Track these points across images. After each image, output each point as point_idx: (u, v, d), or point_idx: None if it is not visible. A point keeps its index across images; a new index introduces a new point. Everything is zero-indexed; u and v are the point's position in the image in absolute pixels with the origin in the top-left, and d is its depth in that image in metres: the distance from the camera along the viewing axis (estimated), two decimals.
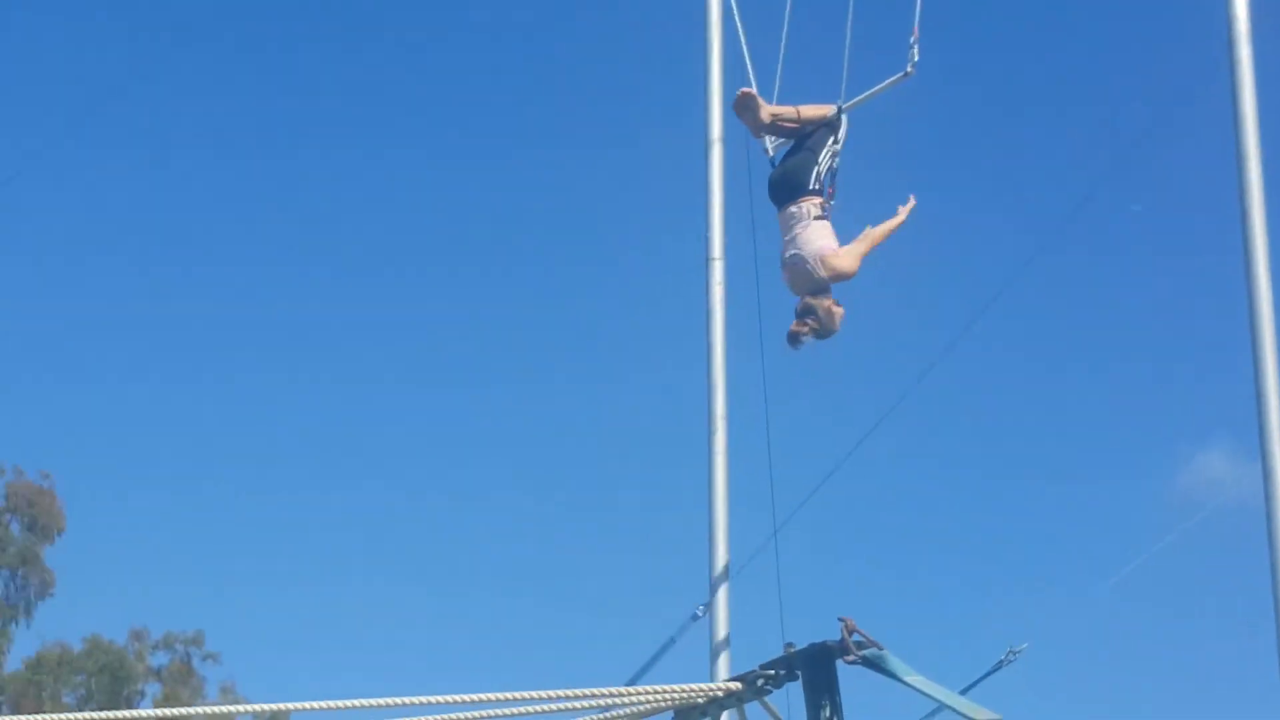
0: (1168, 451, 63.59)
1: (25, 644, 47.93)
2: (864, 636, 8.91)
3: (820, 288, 11.66)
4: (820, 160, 11.97)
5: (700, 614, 13.18)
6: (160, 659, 50.12)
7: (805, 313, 11.61)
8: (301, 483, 67.28)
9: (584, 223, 64.61)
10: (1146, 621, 51.54)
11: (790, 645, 9.24)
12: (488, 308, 67.37)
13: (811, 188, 11.92)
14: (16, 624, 50.08)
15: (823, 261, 11.60)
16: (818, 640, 9.12)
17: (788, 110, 12.26)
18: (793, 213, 11.87)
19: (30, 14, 77.11)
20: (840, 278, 11.60)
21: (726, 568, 12.83)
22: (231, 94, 73.77)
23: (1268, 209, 11.01)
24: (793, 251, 11.79)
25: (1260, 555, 10.54)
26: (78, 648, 48.86)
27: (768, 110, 12.13)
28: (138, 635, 50.61)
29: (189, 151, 76.71)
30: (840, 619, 9.10)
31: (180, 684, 48.16)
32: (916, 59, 12.00)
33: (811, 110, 12.24)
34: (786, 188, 12.01)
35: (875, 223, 11.85)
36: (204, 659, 50.10)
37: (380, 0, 77.80)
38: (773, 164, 12.35)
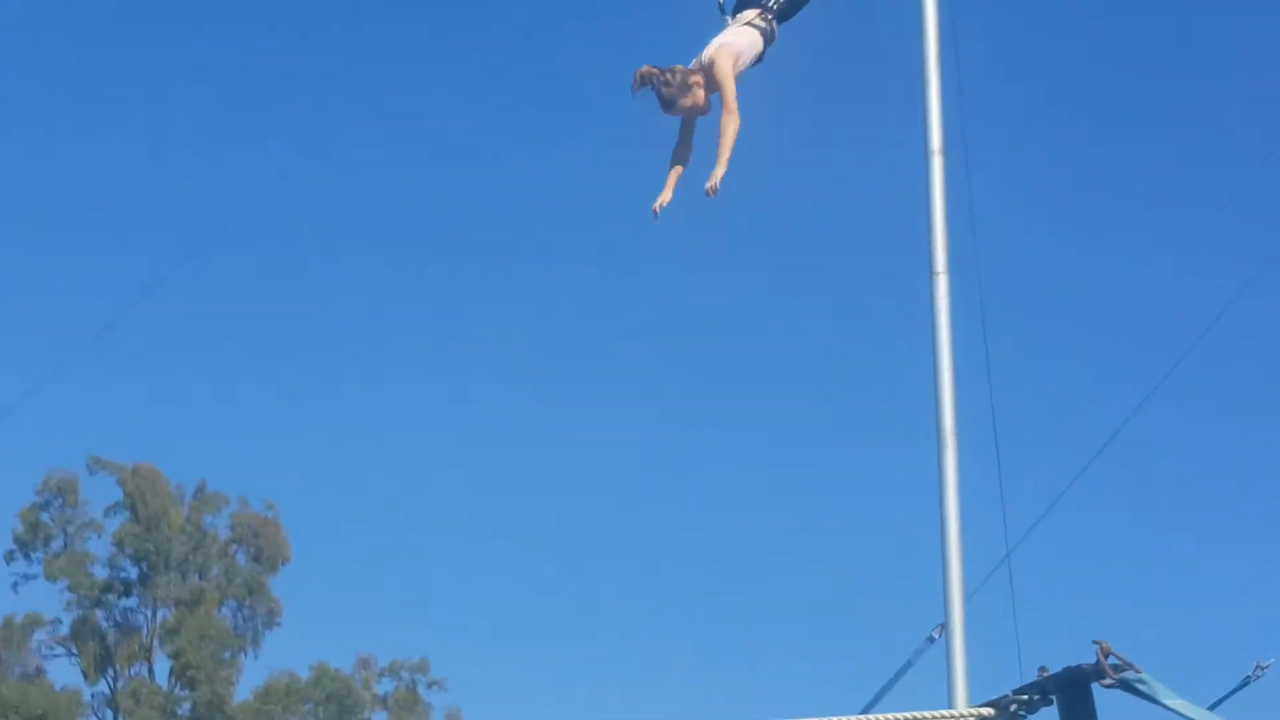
0: None
1: (254, 674, 48.16)
2: (1120, 659, 8.46)
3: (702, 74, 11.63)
4: None
5: (936, 637, 12.69)
6: (386, 686, 49.82)
7: (668, 71, 11.58)
8: (539, 519, 66.22)
9: (807, 228, 63.11)
10: None
11: (1044, 669, 8.81)
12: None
13: (762, 1, 12.05)
14: (245, 654, 50.16)
15: (715, 52, 11.76)
16: (1071, 664, 8.51)
17: None
18: (739, 16, 12.10)
19: None
20: (708, 71, 11.68)
21: (961, 588, 12.21)
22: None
23: None
24: (708, 47, 11.89)
25: None
26: (305, 676, 48.45)
27: None
28: (364, 663, 50.65)
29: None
30: (1095, 642, 8.65)
31: (406, 711, 47.83)
32: None
33: None
34: (742, 2, 12.19)
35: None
36: (429, 686, 49.59)
37: None
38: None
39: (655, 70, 11.51)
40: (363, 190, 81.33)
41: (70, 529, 52.06)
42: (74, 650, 50.42)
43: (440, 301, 77.28)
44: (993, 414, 13.21)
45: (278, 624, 50.38)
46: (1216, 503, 64.26)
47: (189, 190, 76.05)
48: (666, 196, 11.65)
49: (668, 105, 11.54)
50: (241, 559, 50.60)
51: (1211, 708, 10.30)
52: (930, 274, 13.14)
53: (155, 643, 50.42)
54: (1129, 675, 8.89)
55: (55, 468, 52.70)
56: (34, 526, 52.02)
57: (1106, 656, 8.89)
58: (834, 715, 9.32)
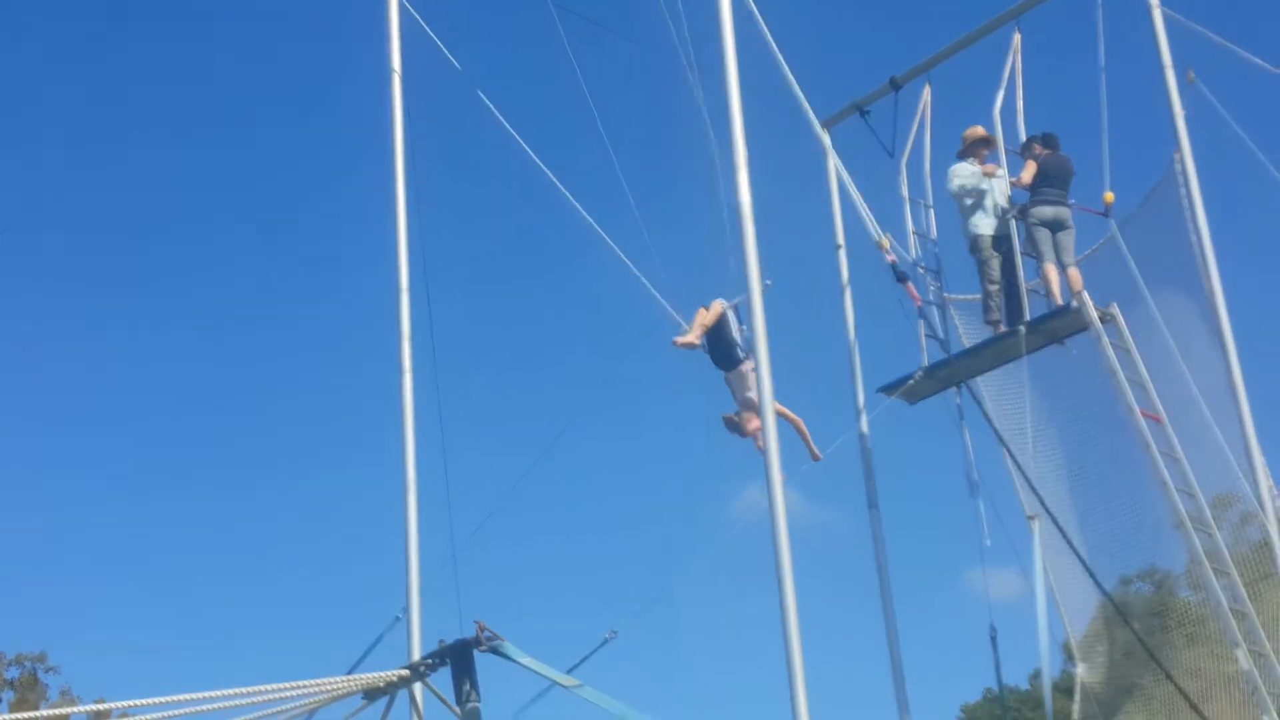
0: None
1: None
2: (492, 633, 9.21)
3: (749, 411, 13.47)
4: (737, 340, 13.69)
5: (400, 617, 13.24)
6: (13, 673, 48.84)
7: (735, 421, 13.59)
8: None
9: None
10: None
11: (442, 641, 9.51)
12: None
13: (741, 357, 13.52)
14: None
15: (753, 397, 13.13)
16: (461, 636, 9.24)
17: (701, 325, 13.78)
18: (738, 371, 13.63)
19: None
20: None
21: (419, 584, 12.95)
22: None
23: None
24: (747, 392, 13.44)
25: None
26: None
27: (697, 336, 13.77)
28: None
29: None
30: (476, 620, 9.35)
31: (29, 691, 47.04)
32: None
33: (714, 317, 13.79)
34: (728, 362, 13.71)
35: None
36: (47, 671, 48.85)
37: None
38: (705, 349, 13.89)
39: (730, 420, 13.59)
40: None
41: None
42: None
43: None
44: (445, 462, 13.58)
45: None
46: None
47: None
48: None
49: (742, 435, 13.45)
50: None
51: (571, 670, 10.80)
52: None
53: None
54: (496, 644, 9.59)
55: None
56: None
57: (483, 631, 9.60)
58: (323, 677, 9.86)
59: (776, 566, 11.84)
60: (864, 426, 15.41)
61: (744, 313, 13.72)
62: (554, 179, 14.36)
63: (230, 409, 70.43)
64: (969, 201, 14.82)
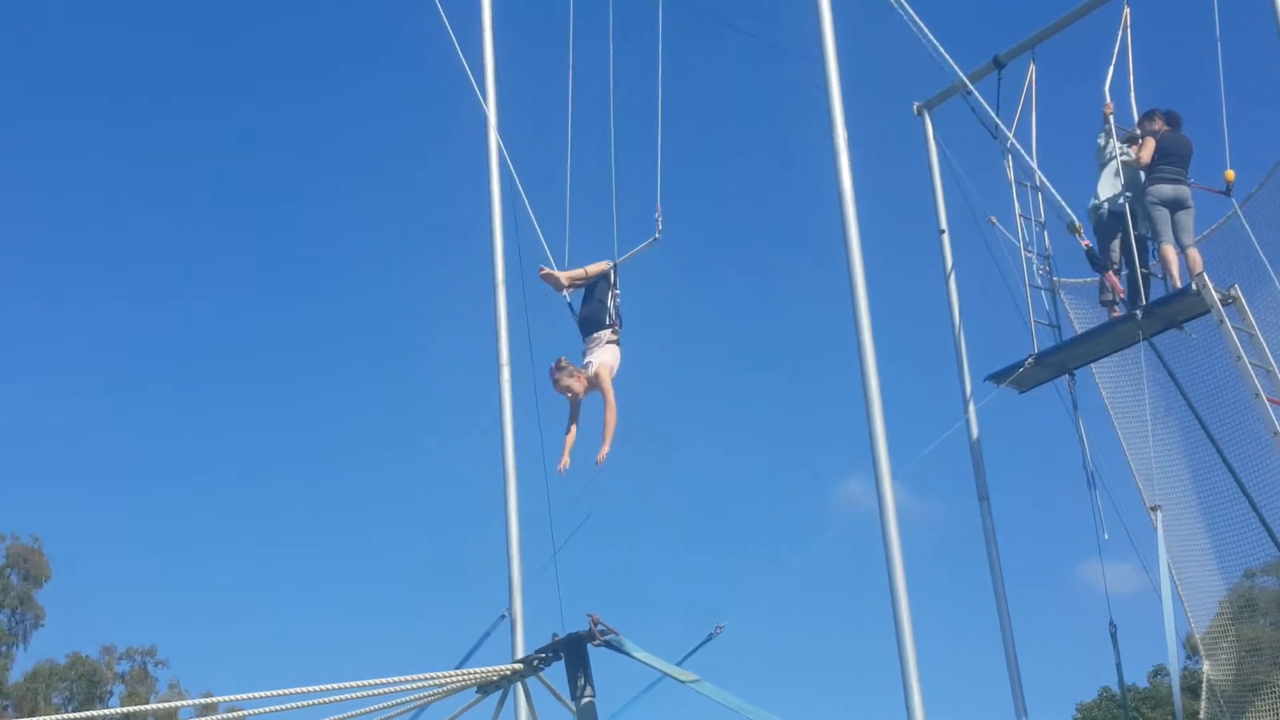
0: None
1: (24, 662, 48.05)
2: (605, 626, 9.01)
3: (588, 379, 12.53)
4: (608, 304, 12.87)
5: (505, 616, 13.17)
6: (124, 666, 50.44)
7: (563, 370, 12.47)
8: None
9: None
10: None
11: (555, 635, 9.32)
12: None
13: (607, 323, 12.69)
14: (17, 648, 50.42)
15: (598, 369, 12.42)
16: (574, 630, 9.07)
17: (578, 272, 13.08)
18: (595, 337, 12.74)
19: None
20: (592, 383, 12.43)
21: (520, 582, 12.89)
22: None
23: None
24: (588, 359, 12.59)
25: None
26: (63, 663, 48.83)
27: (565, 277, 13.05)
28: (107, 650, 51.31)
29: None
30: (589, 614, 9.15)
31: (139, 684, 48.35)
32: (661, 228, 12.71)
33: (594, 268, 13.07)
34: (592, 324, 12.76)
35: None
36: (156, 664, 50.48)
37: None
38: (572, 308, 13.11)
39: (560, 377, 12.49)
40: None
41: None
42: None
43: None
44: (543, 456, 13.42)
45: (42, 625, 50.99)
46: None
47: None
48: (566, 460, 12.42)
49: (561, 388, 12.51)
50: (14, 579, 50.62)
51: (680, 662, 10.58)
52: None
53: None
54: (611, 638, 9.39)
55: None
56: None
57: (596, 625, 9.40)
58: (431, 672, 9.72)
59: (887, 562, 11.57)
60: (972, 416, 15.05)
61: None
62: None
63: (331, 412, 71.51)
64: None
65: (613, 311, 12.81)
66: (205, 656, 60.47)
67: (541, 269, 13.10)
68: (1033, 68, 15.37)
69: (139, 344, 73.05)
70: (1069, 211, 14.03)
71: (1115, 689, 15.17)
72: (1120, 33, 14.50)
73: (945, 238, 15.83)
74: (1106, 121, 14.28)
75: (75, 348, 71.83)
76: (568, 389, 12.44)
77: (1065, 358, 14.23)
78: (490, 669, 9.68)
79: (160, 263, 73.83)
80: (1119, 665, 13.87)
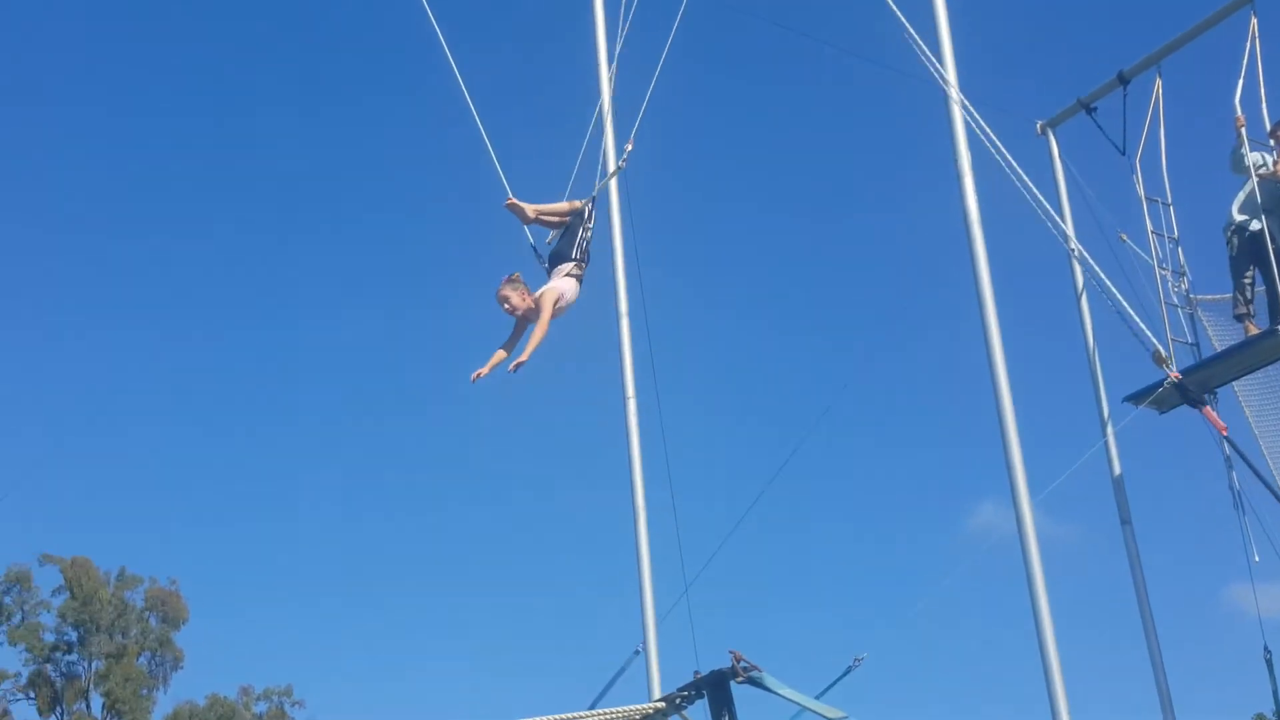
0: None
1: (165, 704, 49.06)
2: (748, 663, 8.98)
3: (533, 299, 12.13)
4: (578, 239, 12.45)
5: (639, 652, 13.18)
6: (261, 707, 51.06)
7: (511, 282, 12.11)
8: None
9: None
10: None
11: (697, 672, 9.31)
12: None
13: (573, 257, 12.29)
14: (158, 690, 51.74)
15: (544, 291, 12.05)
16: (715, 668, 9.06)
17: (546, 207, 12.67)
18: (557, 269, 12.24)
19: None
20: (540, 302, 11.96)
21: (654, 616, 12.84)
22: None
23: None
24: (547, 285, 12.16)
25: None
26: (201, 704, 49.77)
27: (532, 210, 12.58)
28: (245, 691, 52.14)
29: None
30: (730, 651, 9.13)
31: None
32: (627, 157, 12.88)
33: (567, 205, 12.71)
34: (557, 258, 12.37)
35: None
36: (293, 705, 51.14)
37: None
38: (535, 249, 12.62)
39: (502, 286, 12.08)
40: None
41: (26, 607, 52.72)
42: (31, 695, 50.93)
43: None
44: (671, 495, 13.43)
45: (181, 667, 52.11)
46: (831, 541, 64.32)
47: None
48: (484, 371, 11.87)
49: (508, 306, 12.05)
50: (154, 621, 51.74)
51: (819, 696, 10.54)
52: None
53: (91, 686, 50.97)
54: (754, 674, 9.36)
55: (13, 562, 55.24)
56: None
57: (739, 661, 9.37)
58: (567, 712, 9.72)
59: (1030, 588, 11.45)
60: (1111, 439, 14.80)
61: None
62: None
63: (459, 454, 72.17)
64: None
65: (582, 246, 12.40)
66: (341, 697, 61.25)
67: (509, 198, 12.54)
68: (1159, 82, 15.13)
69: (283, 388, 74.25)
70: (1154, 342, 13.73)
71: (1271, 716, 14.73)
72: (1248, 42, 14.22)
73: (1075, 257, 15.60)
74: (1238, 134, 14.01)
75: (216, 391, 73.23)
76: (505, 300, 11.96)
77: (1205, 376, 13.93)
78: (633, 708, 9.73)
79: (304, 319, 75.11)
80: (1275, 692, 13.52)
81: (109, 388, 68.88)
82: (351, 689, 60.84)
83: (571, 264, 12.25)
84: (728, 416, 64.11)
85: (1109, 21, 62.80)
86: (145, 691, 52.79)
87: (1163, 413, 14.11)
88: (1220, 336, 14.65)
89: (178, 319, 73.79)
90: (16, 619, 53.92)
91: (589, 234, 12.45)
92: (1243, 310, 13.86)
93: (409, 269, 75.18)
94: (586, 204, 12.64)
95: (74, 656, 54.22)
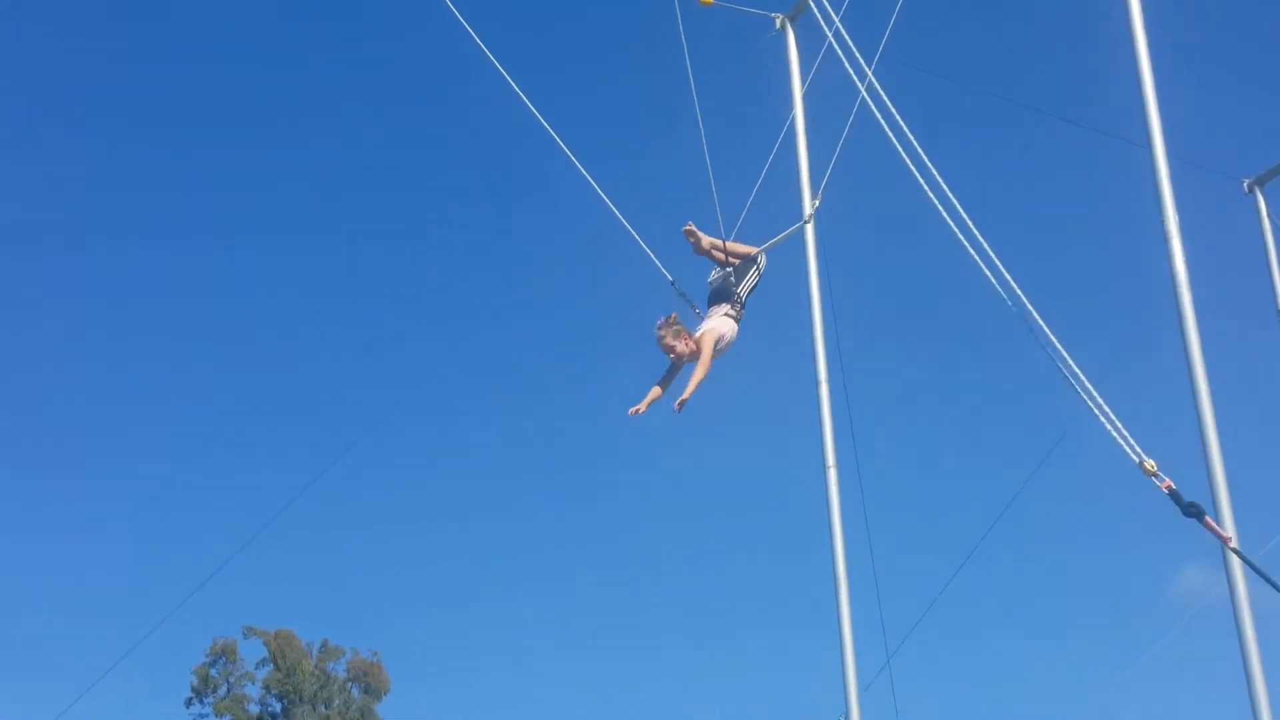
0: None
1: None
2: None
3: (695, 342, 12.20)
4: (743, 284, 12.59)
5: None
6: None
7: (670, 326, 12.18)
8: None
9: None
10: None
11: None
12: None
13: (734, 299, 12.44)
14: None
15: (705, 332, 12.16)
16: None
17: (720, 243, 12.84)
18: (717, 308, 12.44)
19: None
20: (700, 344, 12.06)
21: (856, 686, 12.78)
22: None
23: None
24: (701, 326, 12.29)
25: None
26: None
27: (706, 240, 12.80)
28: None
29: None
30: None
31: None
32: (811, 214, 13.00)
33: (737, 247, 12.88)
34: (717, 297, 12.55)
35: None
36: None
37: None
38: (712, 284, 12.74)
39: (664, 333, 12.18)
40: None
41: (231, 679, 54.31)
42: None
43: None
44: (872, 563, 13.39)
45: None
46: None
47: None
48: (642, 407, 12.17)
49: (665, 347, 12.19)
50: (355, 692, 52.95)
51: None
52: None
53: None
54: None
55: (219, 635, 56.56)
56: (205, 679, 55.76)
57: None
58: None
59: (1243, 654, 11.17)
60: None
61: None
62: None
63: (659, 519, 72.68)
64: None
65: (742, 293, 12.47)
66: None
67: (687, 224, 12.70)
68: None
69: (470, 460, 75.47)
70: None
71: None
72: None
73: None
74: None
75: (416, 471, 74.65)
76: (670, 348, 12.05)
77: None
78: None
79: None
80: None
81: (311, 469, 70.54)
82: None
83: (730, 306, 12.38)
84: (931, 477, 63.34)
85: None
86: None
87: None
88: None
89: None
90: (223, 690, 55.49)
91: (755, 284, 12.59)
92: None
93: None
94: (760, 253, 12.79)
95: None
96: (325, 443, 70.41)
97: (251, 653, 56.91)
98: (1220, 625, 11.34)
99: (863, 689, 13.56)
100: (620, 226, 12.60)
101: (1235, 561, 11.43)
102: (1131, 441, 10.15)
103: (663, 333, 12.07)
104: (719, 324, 12.22)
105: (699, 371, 11.81)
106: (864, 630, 13.76)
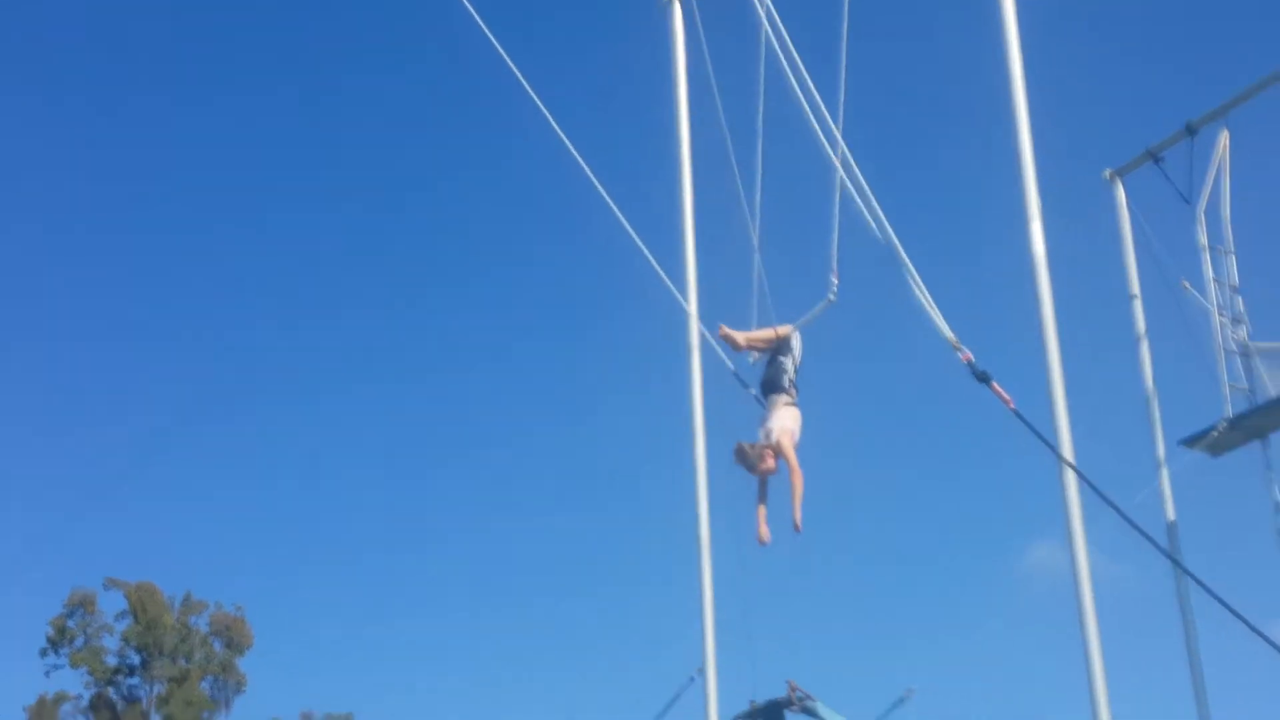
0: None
1: None
2: (803, 692, 9.39)
3: (767, 446, 12.67)
4: (786, 369, 13.04)
5: (695, 677, 13.51)
6: None
7: (746, 455, 12.62)
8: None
9: None
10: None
11: (753, 702, 9.68)
12: None
13: (784, 387, 12.90)
14: (220, 715, 52.08)
15: (774, 430, 12.60)
16: (773, 697, 9.44)
17: (755, 335, 13.38)
18: (774, 399, 12.94)
19: None
20: (776, 448, 12.55)
21: (713, 644, 13.09)
22: None
23: None
24: (768, 423, 12.72)
25: None
26: None
27: (743, 338, 13.35)
28: (306, 716, 52.66)
29: None
30: (787, 680, 9.57)
31: None
32: (837, 289, 12.97)
33: (773, 332, 13.34)
34: (770, 387, 13.00)
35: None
36: None
37: None
38: (738, 377, 13.40)
39: (743, 449, 12.71)
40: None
41: (89, 631, 53.71)
42: (91, 717, 51.91)
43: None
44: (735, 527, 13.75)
45: (244, 691, 52.57)
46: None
47: None
48: (765, 531, 12.54)
49: (751, 470, 12.71)
50: (218, 646, 52.50)
51: None
52: None
53: (152, 709, 51.72)
54: (808, 704, 9.73)
55: (78, 586, 56.06)
56: (62, 631, 55.69)
57: (794, 691, 9.74)
58: None
59: (1082, 627, 11.71)
60: (1165, 480, 15.13)
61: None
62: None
63: (508, 445, 73.02)
64: None
65: (790, 377, 12.97)
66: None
67: (721, 328, 13.30)
68: (1225, 133, 15.54)
69: (335, 422, 75.25)
70: None
71: None
72: None
73: (1137, 303, 16.00)
74: None
75: (279, 421, 74.31)
76: (767, 471, 12.52)
77: (1260, 422, 14.29)
78: None
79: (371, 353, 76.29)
80: None
81: (177, 418, 70.00)
82: (412, 713, 61.37)
83: (784, 395, 12.88)
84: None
85: (1179, 73, 62.93)
86: (206, 715, 53.41)
87: (1216, 456, 14.49)
88: (1277, 384, 15.01)
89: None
90: (79, 642, 54.87)
91: (798, 362, 13.10)
92: None
93: None
94: (792, 331, 13.21)
95: (136, 680, 55.01)
96: (196, 399, 70.11)
97: (111, 605, 56.60)
98: (1065, 594, 11.89)
99: (719, 643, 13.97)
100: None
101: (1077, 532, 11.99)
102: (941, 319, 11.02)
103: (759, 465, 12.52)
104: (785, 420, 12.70)
105: (797, 483, 12.32)
106: (724, 584, 14.15)
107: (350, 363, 77.54)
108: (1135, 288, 16.16)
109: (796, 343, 13.27)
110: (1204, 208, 15.02)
